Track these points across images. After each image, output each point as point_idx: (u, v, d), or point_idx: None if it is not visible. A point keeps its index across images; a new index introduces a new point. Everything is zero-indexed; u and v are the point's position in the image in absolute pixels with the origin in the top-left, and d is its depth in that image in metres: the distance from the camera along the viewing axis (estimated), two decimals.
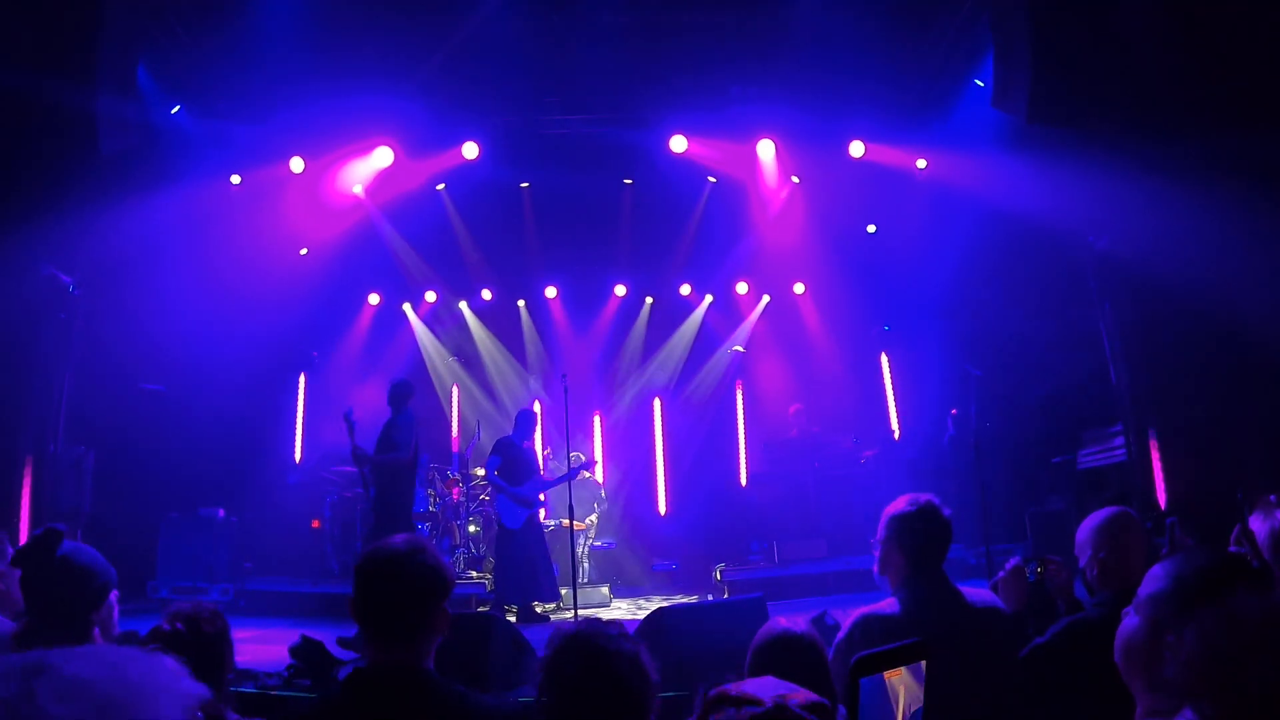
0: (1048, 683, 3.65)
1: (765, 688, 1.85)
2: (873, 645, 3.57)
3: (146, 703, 1.10)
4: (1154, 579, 2.21)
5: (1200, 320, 8.74)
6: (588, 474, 12.00)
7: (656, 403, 15.59)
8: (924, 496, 3.98)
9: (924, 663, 1.69)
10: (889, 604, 3.85)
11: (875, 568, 4.05)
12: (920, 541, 3.86)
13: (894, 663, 1.67)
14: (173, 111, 10.86)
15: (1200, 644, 1.53)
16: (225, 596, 10.74)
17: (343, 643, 7.34)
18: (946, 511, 3.95)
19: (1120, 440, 10.07)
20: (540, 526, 10.85)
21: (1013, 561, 4.25)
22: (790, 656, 3.07)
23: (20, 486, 9.22)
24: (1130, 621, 2.22)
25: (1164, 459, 9.24)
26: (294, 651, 6.70)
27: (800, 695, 1.82)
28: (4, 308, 9.04)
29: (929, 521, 3.88)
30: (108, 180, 9.35)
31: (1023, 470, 11.28)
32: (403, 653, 2.83)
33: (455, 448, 14.87)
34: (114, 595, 3.39)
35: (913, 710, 1.87)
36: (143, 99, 9.83)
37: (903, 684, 1.86)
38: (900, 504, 3.96)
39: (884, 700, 1.83)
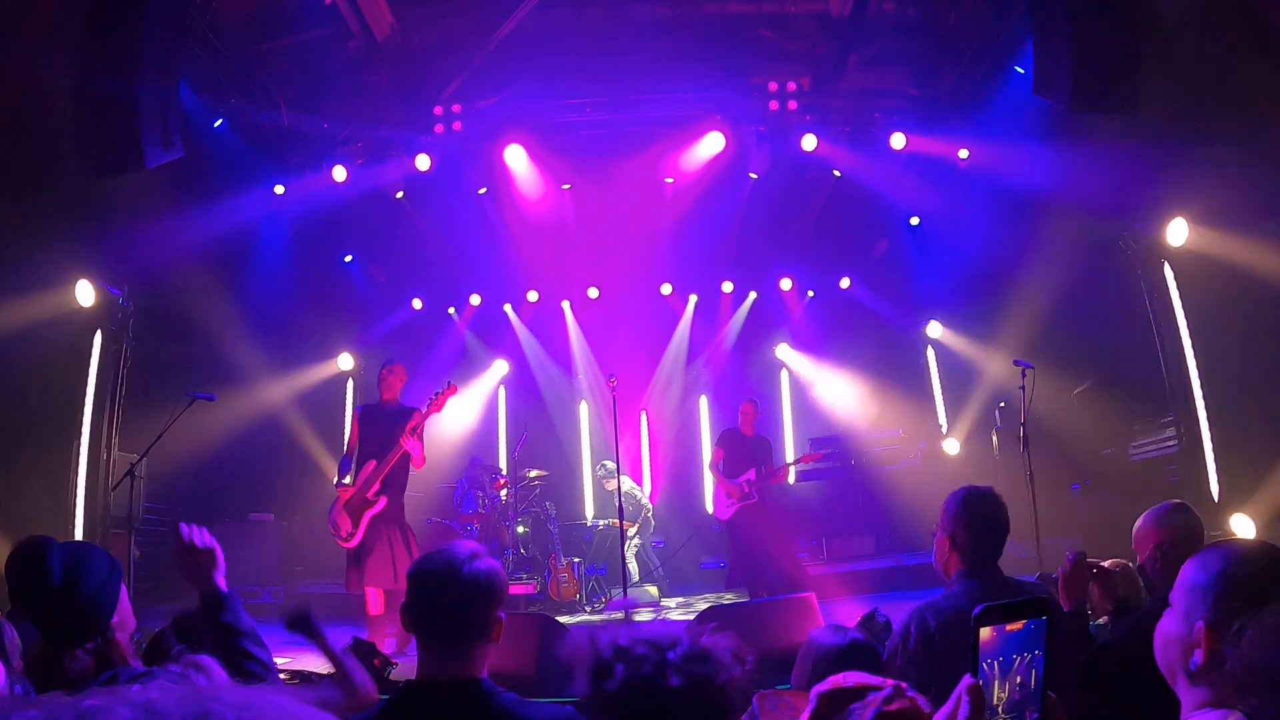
0: (1112, 681, 3.57)
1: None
2: (927, 641, 3.55)
3: None
4: (1195, 573, 2.10)
5: (1253, 308, 8.58)
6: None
7: (703, 401, 15.53)
8: (983, 487, 3.91)
9: (1045, 619, 1.66)
10: (945, 597, 3.78)
11: (934, 559, 3.98)
12: (979, 533, 3.78)
13: (1015, 616, 1.65)
14: (215, 125, 10.98)
15: (1257, 644, 1.48)
16: (276, 599, 10.83)
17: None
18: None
19: (1172, 431, 9.92)
20: (755, 517, 10.49)
21: (1071, 556, 4.17)
22: (849, 666, 3.03)
23: (74, 496, 9.37)
24: (1167, 616, 2.13)
25: (1217, 450, 9.10)
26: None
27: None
28: (56, 319, 9.19)
29: (988, 514, 3.81)
30: (153, 193, 9.50)
31: (1072, 463, 11.12)
32: (456, 663, 2.75)
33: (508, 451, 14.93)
34: (124, 590, 3.05)
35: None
36: (185, 113, 9.96)
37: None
38: (960, 494, 3.89)
39: None
